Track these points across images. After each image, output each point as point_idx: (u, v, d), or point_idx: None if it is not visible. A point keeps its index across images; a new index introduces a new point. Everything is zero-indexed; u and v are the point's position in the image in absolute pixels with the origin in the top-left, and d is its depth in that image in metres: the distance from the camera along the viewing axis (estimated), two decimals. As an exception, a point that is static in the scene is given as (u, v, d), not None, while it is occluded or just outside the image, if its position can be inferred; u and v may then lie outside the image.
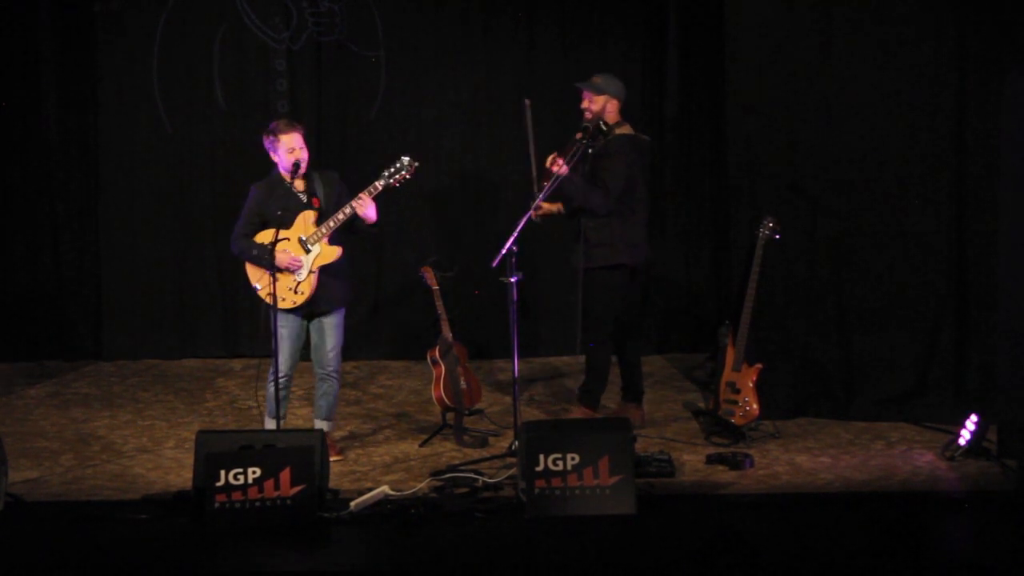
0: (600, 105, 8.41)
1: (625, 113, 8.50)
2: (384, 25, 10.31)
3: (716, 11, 9.24)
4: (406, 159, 7.98)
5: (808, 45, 8.60)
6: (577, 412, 8.58)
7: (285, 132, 7.89)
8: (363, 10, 10.29)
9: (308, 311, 7.99)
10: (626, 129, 8.43)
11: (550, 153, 8.38)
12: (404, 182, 8.03)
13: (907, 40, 8.52)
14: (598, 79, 8.47)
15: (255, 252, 7.88)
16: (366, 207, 7.88)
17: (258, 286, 7.93)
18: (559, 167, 8.19)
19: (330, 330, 8.04)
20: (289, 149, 7.87)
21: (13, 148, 10.38)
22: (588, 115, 8.43)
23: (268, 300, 7.85)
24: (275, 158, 7.96)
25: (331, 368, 8.07)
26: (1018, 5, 8.34)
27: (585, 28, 10.31)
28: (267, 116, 10.16)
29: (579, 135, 8.33)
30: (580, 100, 8.48)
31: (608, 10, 10.29)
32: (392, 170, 7.98)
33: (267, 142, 7.95)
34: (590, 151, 8.34)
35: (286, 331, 7.89)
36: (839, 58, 8.57)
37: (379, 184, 7.96)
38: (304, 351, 8.14)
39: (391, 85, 10.37)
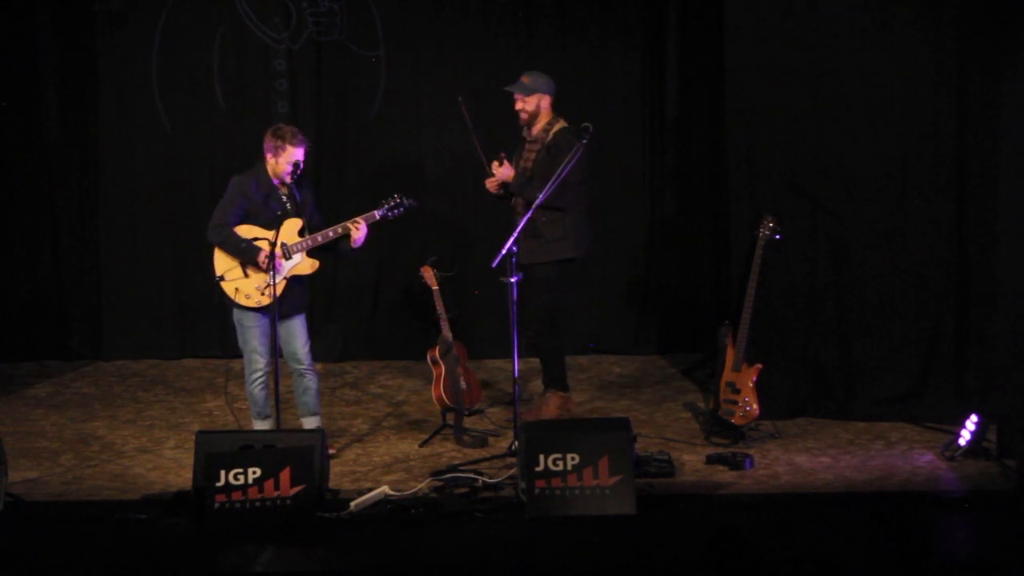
0: (534, 104, 8.54)
1: (557, 107, 8.55)
2: (384, 25, 10.30)
3: (716, 11, 9.24)
4: (407, 199, 8.20)
5: (808, 45, 8.60)
6: (554, 399, 8.62)
7: (295, 145, 7.97)
8: (363, 10, 10.28)
9: (270, 315, 8.02)
10: (562, 123, 8.50)
11: (492, 145, 8.62)
12: (398, 217, 8.26)
13: (907, 40, 8.52)
14: (527, 79, 8.57)
15: (243, 245, 7.91)
16: (362, 232, 8.04)
17: (223, 276, 7.98)
18: (506, 172, 8.42)
19: (298, 328, 8.12)
20: (291, 160, 7.93)
21: (13, 148, 10.37)
22: (523, 116, 8.55)
23: (234, 295, 7.99)
24: (272, 159, 7.98)
25: (307, 364, 8.12)
26: (1017, 5, 8.34)
27: (585, 28, 10.30)
28: (267, 116, 10.17)
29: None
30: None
31: (608, 10, 10.28)
32: (392, 204, 8.19)
33: (271, 143, 7.98)
34: (530, 145, 8.48)
35: (258, 329, 7.97)
36: (839, 58, 8.57)
37: (377, 214, 8.17)
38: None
39: (391, 85, 10.36)
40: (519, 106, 8.57)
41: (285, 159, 7.94)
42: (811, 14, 8.58)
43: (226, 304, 8.14)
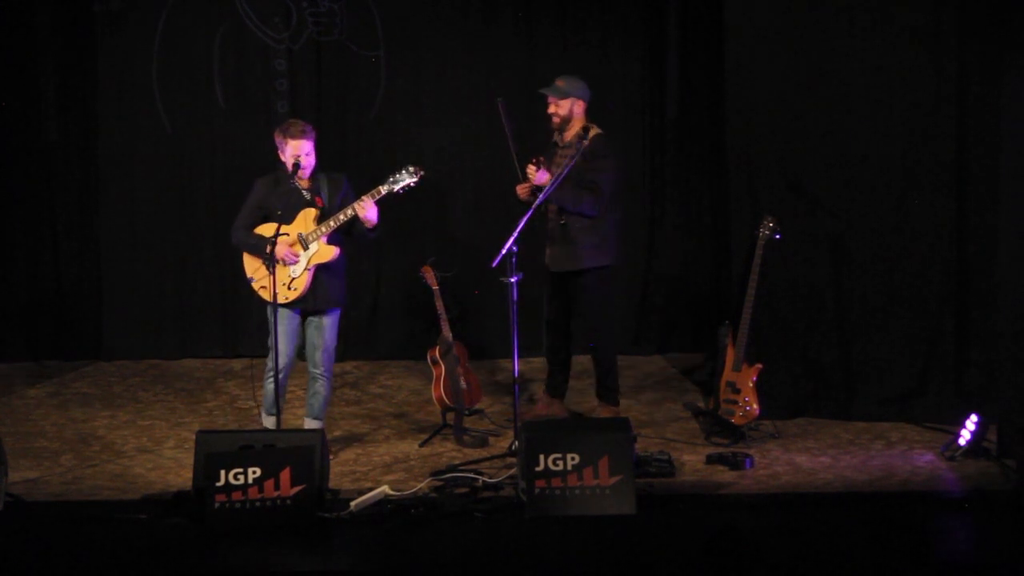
0: (567, 109, 8.45)
1: (590, 113, 8.52)
2: (384, 25, 10.29)
3: (716, 11, 9.24)
4: (412, 167, 8.03)
5: (808, 45, 8.60)
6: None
7: (295, 138, 7.94)
8: (363, 10, 10.28)
9: (303, 309, 8.02)
10: (596, 129, 8.44)
11: (528, 149, 8.49)
12: (408, 189, 8.06)
13: (907, 39, 8.52)
14: (561, 82, 8.49)
15: (253, 242, 7.94)
16: (367, 210, 7.91)
17: (253, 277, 7.99)
18: (542, 177, 8.24)
19: (322, 330, 8.07)
20: (293, 154, 7.92)
21: (13, 148, 10.37)
22: (556, 120, 8.46)
23: (261, 293, 7.97)
24: (281, 156, 8.01)
25: (322, 368, 8.09)
26: (1017, 5, 8.34)
27: (585, 28, 10.29)
28: (267, 116, 10.19)
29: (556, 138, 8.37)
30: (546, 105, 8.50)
31: (608, 10, 10.28)
32: (397, 176, 8.03)
33: (277, 140, 8.02)
34: (564, 151, 8.37)
35: (281, 327, 7.90)
36: (839, 57, 8.58)
37: (383, 189, 8.00)
38: (300, 350, 8.20)
39: (391, 85, 10.36)
40: (552, 109, 8.45)
41: (290, 153, 7.95)
42: (811, 14, 8.58)
43: (259, 304, 8.12)
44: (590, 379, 8.85)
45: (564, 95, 8.44)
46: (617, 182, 8.43)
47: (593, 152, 8.32)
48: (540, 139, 9.37)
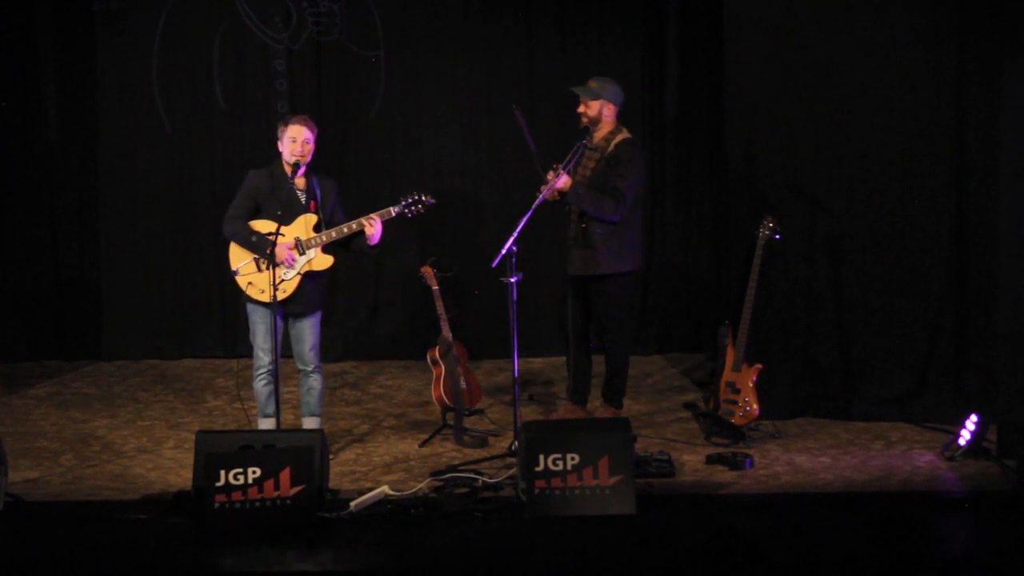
0: (596, 110, 8.38)
1: (622, 116, 8.48)
2: (384, 25, 10.30)
3: (716, 11, 9.24)
4: (426, 196, 8.07)
5: (808, 44, 8.60)
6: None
7: (294, 123, 7.96)
8: (363, 10, 10.29)
9: (286, 311, 8.02)
10: (626, 134, 8.41)
11: (549, 151, 8.40)
12: (417, 215, 8.10)
13: (907, 39, 8.52)
14: (593, 83, 8.43)
15: (254, 239, 7.91)
16: (375, 228, 7.94)
17: (238, 271, 7.97)
18: (561, 180, 8.17)
19: (307, 329, 8.08)
20: (292, 138, 7.93)
21: (13, 148, 10.37)
22: (584, 120, 8.40)
23: (248, 290, 7.96)
24: (280, 147, 7.99)
25: (312, 364, 8.11)
26: (1017, 5, 8.35)
27: (585, 28, 10.30)
28: (267, 116, 10.19)
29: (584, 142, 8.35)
30: (577, 99, 8.46)
31: (608, 10, 10.29)
32: (410, 201, 8.06)
33: (279, 129, 8.04)
34: (590, 153, 8.34)
35: (265, 325, 7.91)
36: (839, 58, 8.58)
37: (393, 210, 8.03)
38: (285, 350, 8.20)
39: (391, 85, 10.37)
40: (581, 109, 8.37)
41: (288, 138, 7.93)
42: (811, 14, 8.58)
43: (242, 299, 8.12)
44: (598, 379, 8.84)
45: (595, 96, 8.37)
46: (640, 188, 8.39)
47: (617, 157, 8.27)
48: (542, 139, 9.36)
